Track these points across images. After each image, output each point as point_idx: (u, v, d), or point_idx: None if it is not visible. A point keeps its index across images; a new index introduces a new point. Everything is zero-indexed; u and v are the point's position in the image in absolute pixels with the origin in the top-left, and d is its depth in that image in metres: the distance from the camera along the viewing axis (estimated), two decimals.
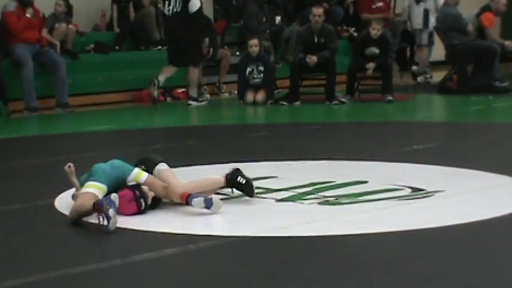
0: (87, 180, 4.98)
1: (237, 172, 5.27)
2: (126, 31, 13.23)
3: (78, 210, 4.77)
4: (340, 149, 7.42)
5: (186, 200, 4.94)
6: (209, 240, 4.36)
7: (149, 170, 5.15)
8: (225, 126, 10.13)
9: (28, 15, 11.44)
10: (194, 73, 11.93)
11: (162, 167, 5.20)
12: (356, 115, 10.78)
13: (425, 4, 14.35)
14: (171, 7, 11.62)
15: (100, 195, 4.84)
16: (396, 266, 3.85)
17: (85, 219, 4.80)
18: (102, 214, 4.54)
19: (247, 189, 5.27)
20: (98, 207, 4.58)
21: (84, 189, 4.91)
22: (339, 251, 4.18)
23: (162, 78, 11.80)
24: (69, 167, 5.13)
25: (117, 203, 4.65)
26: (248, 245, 4.31)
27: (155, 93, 11.80)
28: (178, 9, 11.54)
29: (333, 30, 12.06)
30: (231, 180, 5.25)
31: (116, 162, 5.10)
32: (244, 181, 5.25)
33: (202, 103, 11.96)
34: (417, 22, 14.42)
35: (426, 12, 14.32)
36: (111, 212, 4.52)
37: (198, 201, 4.91)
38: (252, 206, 5.14)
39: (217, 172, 5.54)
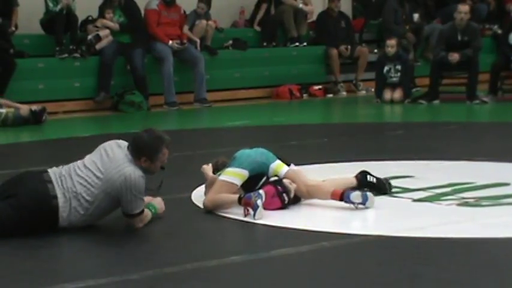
0: (228, 166, 5.01)
1: (365, 172, 5.25)
2: (264, 28, 13.31)
3: (215, 201, 4.87)
4: (480, 150, 7.18)
5: (341, 196, 4.87)
6: (343, 239, 4.30)
7: None
8: (361, 124, 10.02)
9: (166, 12, 11.72)
10: None
11: (292, 166, 5.17)
12: (499, 115, 10.44)
13: None
14: None
15: (239, 183, 4.89)
16: None
17: (221, 213, 4.86)
18: (250, 206, 4.67)
19: (381, 186, 5.21)
20: (246, 201, 4.71)
21: (223, 177, 4.95)
22: (478, 254, 4.04)
23: None
24: (208, 165, 5.27)
25: (264, 197, 4.74)
26: (383, 244, 4.23)
27: None
28: None
29: (478, 28, 11.73)
30: (362, 180, 5.21)
31: (261, 149, 5.13)
32: (375, 180, 5.23)
33: None
34: None
35: None
36: (259, 202, 4.67)
37: (355, 195, 4.84)
38: (388, 205, 5.04)
39: (351, 170, 5.48)
